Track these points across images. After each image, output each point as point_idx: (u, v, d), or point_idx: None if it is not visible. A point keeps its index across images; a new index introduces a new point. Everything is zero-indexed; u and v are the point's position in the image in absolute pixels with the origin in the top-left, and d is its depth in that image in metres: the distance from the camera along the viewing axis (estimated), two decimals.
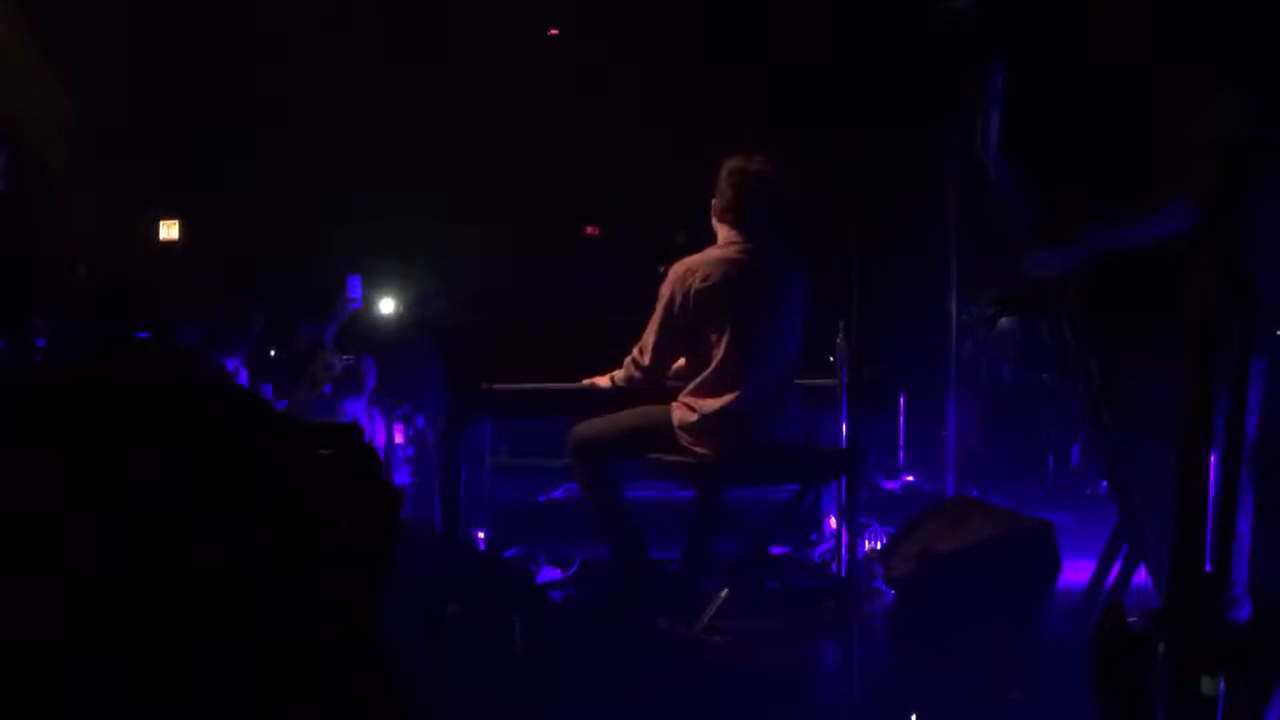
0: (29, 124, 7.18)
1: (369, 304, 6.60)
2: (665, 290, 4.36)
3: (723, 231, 4.44)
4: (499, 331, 4.97)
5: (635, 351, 4.44)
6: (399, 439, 6.45)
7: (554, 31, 8.06)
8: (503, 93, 7.77)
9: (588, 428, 4.43)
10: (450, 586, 3.84)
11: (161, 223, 8.31)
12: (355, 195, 7.66)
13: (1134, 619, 1.97)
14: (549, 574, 5.08)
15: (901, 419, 6.66)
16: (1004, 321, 7.13)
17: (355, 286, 6.15)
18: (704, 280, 4.31)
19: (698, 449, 4.29)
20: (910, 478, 6.65)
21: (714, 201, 4.45)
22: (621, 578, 4.44)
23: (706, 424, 4.29)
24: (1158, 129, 2.65)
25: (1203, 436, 1.81)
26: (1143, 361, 2.42)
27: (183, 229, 8.32)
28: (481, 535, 5.30)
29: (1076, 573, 4.61)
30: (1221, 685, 1.81)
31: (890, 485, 6.55)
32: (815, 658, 4.33)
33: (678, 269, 4.37)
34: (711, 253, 4.40)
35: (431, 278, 6.95)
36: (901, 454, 6.72)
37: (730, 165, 4.43)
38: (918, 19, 6.24)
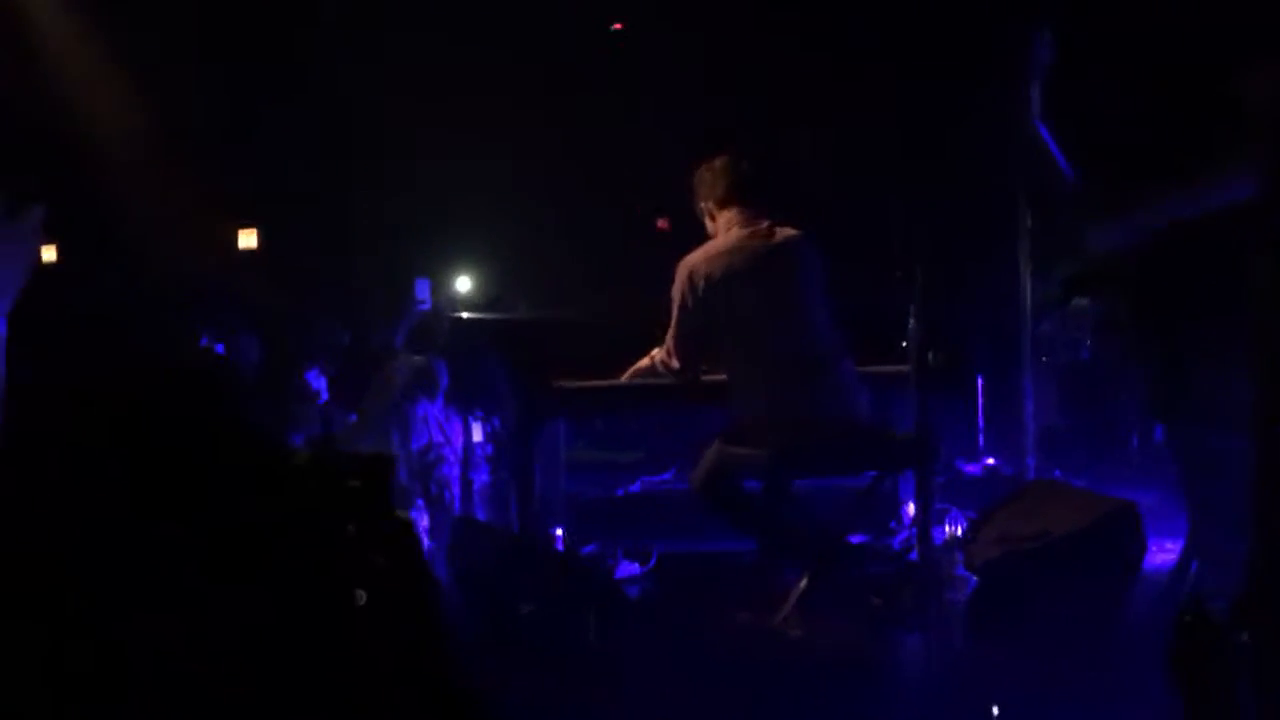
0: (102, 134, 7.31)
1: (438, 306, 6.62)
2: (676, 293, 4.31)
3: (721, 220, 4.39)
4: (569, 329, 4.96)
5: (663, 353, 4.40)
6: (477, 437, 6.49)
7: (618, 26, 8.01)
8: (573, 87, 7.75)
9: (698, 472, 4.41)
10: (526, 586, 3.86)
11: (240, 232, 8.41)
12: (424, 199, 7.69)
13: (1216, 606, 1.92)
14: (627, 569, 5.09)
15: (980, 401, 6.55)
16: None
17: (423, 288, 6.19)
18: (708, 280, 4.26)
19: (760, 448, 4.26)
20: (991, 460, 6.54)
21: (701, 205, 4.43)
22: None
23: (752, 433, 4.26)
24: (1218, 93, 2.54)
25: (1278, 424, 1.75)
26: (1209, 349, 2.34)
27: (261, 238, 8.40)
28: (559, 532, 5.31)
29: (1164, 553, 4.53)
30: None
31: (971, 469, 6.44)
32: (895, 646, 4.28)
33: (682, 270, 4.31)
34: (714, 246, 4.35)
35: (501, 276, 6.96)
36: (981, 437, 6.61)
37: (704, 169, 4.43)
38: None
